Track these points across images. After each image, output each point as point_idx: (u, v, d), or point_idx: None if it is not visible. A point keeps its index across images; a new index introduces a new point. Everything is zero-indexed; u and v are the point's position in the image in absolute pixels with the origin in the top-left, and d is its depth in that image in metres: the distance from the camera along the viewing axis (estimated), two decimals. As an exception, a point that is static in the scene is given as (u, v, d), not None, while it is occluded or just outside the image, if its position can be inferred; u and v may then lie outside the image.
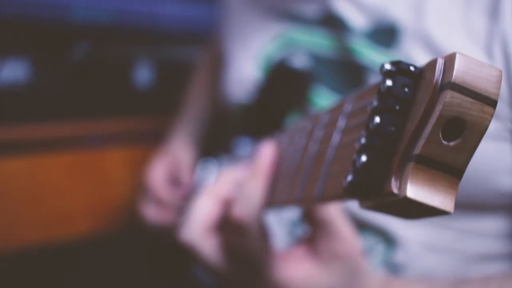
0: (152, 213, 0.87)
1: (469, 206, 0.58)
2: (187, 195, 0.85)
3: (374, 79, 0.61)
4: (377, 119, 0.29)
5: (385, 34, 0.60)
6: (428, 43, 0.56)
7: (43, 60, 1.01)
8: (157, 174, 0.89)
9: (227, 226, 0.50)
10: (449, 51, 0.55)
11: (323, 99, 0.65)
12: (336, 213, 0.47)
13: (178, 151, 0.92)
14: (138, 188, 0.92)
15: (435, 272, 0.61)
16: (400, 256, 0.61)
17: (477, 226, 0.60)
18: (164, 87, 1.13)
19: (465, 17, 0.55)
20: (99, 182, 1.02)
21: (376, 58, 0.60)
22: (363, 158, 0.29)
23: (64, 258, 0.95)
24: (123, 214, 1.01)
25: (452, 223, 0.61)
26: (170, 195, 0.87)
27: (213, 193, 0.53)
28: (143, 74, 1.13)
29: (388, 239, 0.62)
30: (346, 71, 0.64)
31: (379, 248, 0.62)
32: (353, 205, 0.58)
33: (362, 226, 0.62)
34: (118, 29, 1.10)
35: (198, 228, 0.51)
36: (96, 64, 1.07)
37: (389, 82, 0.29)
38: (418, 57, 0.57)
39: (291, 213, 0.67)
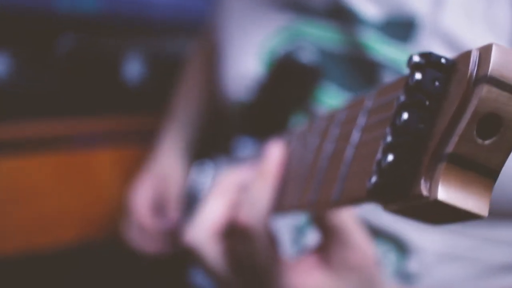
0: (134, 238, 0.89)
1: (492, 213, 0.58)
2: (171, 229, 0.87)
3: (387, 76, 0.61)
4: (405, 115, 0.29)
5: (401, 27, 0.60)
6: (447, 38, 0.56)
7: (24, 54, 1.00)
8: (142, 199, 0.89)
9: (232, 231, 0.50)
10: (470, 46, 0.56)
11: (331, 97, 0.65)
12: (350, 219, 0.47)
13: (167, 166, 0.92)
14: (124, 208, 0.92)
15: (451, 283, 0.61)
16: (413, 265, 0.61)
17: (498, 233, 0.61)
18: (156, 83, 1.13)
19: (488, 9, 0.55)
20: (86, 185, 1.01)
21: (390, 53, 0.60)
22: (390, 157, 0.29)
23: (48, 268, 0.95)
24: (112, 220, 1.01)
25: (470, 230, 0.61)
26: (153, 224, 0.88)
27: (223, 193, 0.53)
28: (133, 69, 1.13)
29: (401, 247, 0.62)
30: (357, 67, 0.64)
31: (391, 256, 0.63)
32: (363, 209, 0.58)
33: (372, 233, 0.62)
34: (106, 19, 1.09)
35: (206, 230, 0.51)
36: (82, 58, 1.06)
37: (418, 76, 0.29)
38: (437, 52, 0.57)
39: (297, 219, 0.67)
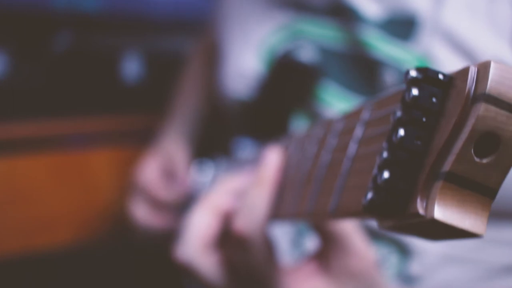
0: (145, 215, 0.85)
1: (495, 213, 0.58)
2: (185, 192, 0.84)
3: (388, 75, 0.61)
4: (402, 132, 0.29)
5: (402, 25, 0.60)
6: (449, 36, 0.56)
7: (21, 51, 1.00)
8: (150, 170, 0.87)
9: (228, 240, 0.50)
10: (472, 44, 0.56)
11: (332, 96, 0.65)
12: (349, 225, 0.47)
13: (171, 149, 0.91)
14: (127, 188, 0.90)
15: (454, 285, 0.61)
16: (415, 268, 0.61)
17: (501, 234, 0.61)
18: (155, 82, 1.13)
19: (490, 7, 0.55)
20: (83, 185, 1.01)
21: (391, 51, 0.60)
22: (386, 174, 0.29)
23: (44, 270, 0.95)
24: (109, 221, 1.01)
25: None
26: (166, 192, 0.85)
27: (211, 205, 0.53)
28: (131, 67, 1.13)
29: (403, 249, 0.62)
30: (357, 65, 0.64)
31: (393, 259, 0.63)
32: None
33: (373, 235, 0.62)
34: (103, 17, 1.09)
35: (196, 244, 0.51)
36: (80, 56, 1.06)
37: (415, 91, 0.28)
38: (439, 51, 0.57)
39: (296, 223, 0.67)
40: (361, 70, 0.64)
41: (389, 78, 0.61)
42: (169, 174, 0.87)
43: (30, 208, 0.96)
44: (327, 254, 0.48)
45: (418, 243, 0.61)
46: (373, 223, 0.61)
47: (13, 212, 0.94)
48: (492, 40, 0.54)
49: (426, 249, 0.61)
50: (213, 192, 0.54)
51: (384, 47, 0.61)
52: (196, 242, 0.51)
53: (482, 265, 0.61)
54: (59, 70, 1.03)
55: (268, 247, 0.49)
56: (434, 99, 0.28)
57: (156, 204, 0.85)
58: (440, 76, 0.29)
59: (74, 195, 1.00)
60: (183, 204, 0.83)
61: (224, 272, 0.51)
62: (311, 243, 0.64)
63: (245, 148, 0.74)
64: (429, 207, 0.28)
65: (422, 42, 0.58)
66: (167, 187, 0.85)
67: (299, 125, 0.68)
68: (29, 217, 0.96)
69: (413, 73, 0.29)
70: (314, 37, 0.67)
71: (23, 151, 0.95)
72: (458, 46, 0.56)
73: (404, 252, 0.62)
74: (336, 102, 0.65)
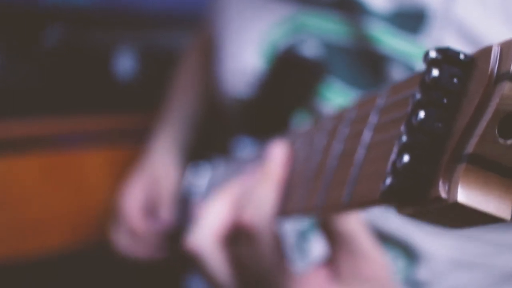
0: (125, 244, 0.89)
1: None
2: (163, 232, 0.86)
3: (396, 70, 0.61)
4: (422, 114, 0.29)
5: (411, 18, 0.60)
6: (461, 30, 0.57)
7: (10, 48, 1.00)
8: (132, 201, 0.89)
9: (236, 235, 0.50)
10: (485, 37, 0.56)
11: (336, 93, 0.65)
12: (359, 226, 0.47)
13: (160, 166, 0.91)
14: (111, 211, 0.92)
15: (463, 291, 0.62)
16: (423, 273, 0.62)
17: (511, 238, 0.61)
18: (150, 79, 1.13)
19: (503, 0, 0.56)
20: (75, 187, 1.01)
21: (399, 46, 0.61)
22: (406, 158, 0.29)
23: (35, 276, 0.95)
24: (103, 224, 1.01)
25: (483, 235, 0.61)
26: (144, 228, 0.88)
27: (228, 196, 0.53)
28: (125, 64, 1.12)
29: (410, 253, 0.62)
30: (363, 61, 0.64)
31: (399, 263, 0.63)
32: (369, 213, 0.59)
33: (379, 238, 0.62)
34: (96, 11, 1.09)
35: (211, 235, 0.51)
36: (71, 53, 1.06)
37: (435, 72, 0.29)
38: (450, 45, 0.57)
39: (300, 224, 0.67)
40: (367, 66, 0.64)
41: (397, 74, 0.61)
42: (152, 206, 0.89)
43: (20, 211, 0.95)
44: (337, 259, 0.47)
45: (425, 247, 0.62)
46: (379, 226, 0.61)
47: (2, 215, 0.94)
48: (506, 33, 0.54)
49: (434, 253, 0.61)
50: (232, 184, 0.55)
51: (392, 41, 0.61)
52: (211, 232, 0.51)
53: (492, 270, 0.62)
54: (50, 67, 1.03)
55: (277, 244, 0.49)
56: (455, 80, 0.29)
57: (135, 235, 0.87)
58: (461, 56, 0.29)
59: (66, 197, 1.00)
60: (180, 208, 0.83)
61: (232, 268, 0.51)
62: (316, 246, 0.65)
63: (244, 148, 0.74)
64: (451, 190, 0.28)
65: (432, 35, 0.59)
66: (147, 221, 0.87)
67: (301, 124, 0.68)
68: (19, 221, 0.95)
69: (433, 54, 0.29)
70: (318, 31, 0.67)
71: (12, 152, 0.94)
72: (470, 40, 0.56)
73: (411, 256, 0.62)
74: (341, 100, 0.65)
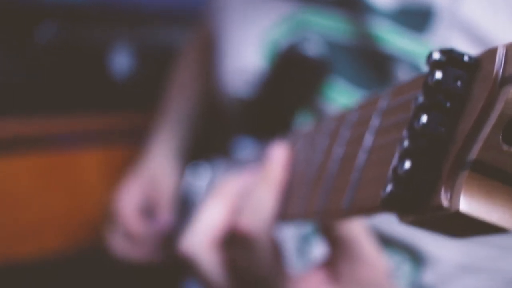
0: (121, 246, 0.88)
1: None
2: (161, 233, 0.86)
3: (401, 70, 0.61)
4: (424, 118, 0.29)
5: (416, 16, 0.60)
6: (468, 28, 0.57)
7: (3, 44, 1.00)
8: (129, 201, 0.89)
9: (232, 240, 0.50)
10: (492, 36, 0.56)
11: (339, 93, 0.65)
12: (360, 230, 0.47)
13: (157, 167, 0.92)
14: (107, 213, 0.92)
15: (470, 296, 0.62)
16: (429, 277, 0.62)
17: (519, 242, 0.61)
18: (147, 77, 1.13)
19: None
20: (71, 189, 1.01)
21: (404, 45, 0.60)
22: (407, 164, 0.29)
23: (29, 280, 0.95)
24: (99, 227, 1.01)
25: (490, 239, 0.61)
26: (141, 229, 0.88)
27: (224, 198, 0.53)
28: (121, 61, 1.12)
29: (416, 257, 0.62)
30: (367, 60, 0.64)
31: (405, 267, 0.63)
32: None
33: (385, 242, 0.62)
34: (91, 7, 1.09)
35: (205, 238, 0.51)
36: (66, 50, 1.06)
37: (438, 75, 0.29)
38: (457, 45, 0.57)
39: (302, 227, 0.67)
40: (371, 65, 0.64)
41: (402, 74, 0.61)
42: (149, 207, 0.89)
43: (13, 214, 0.95)
44: (336, 262, 0.48)
45: (432, 251, 0.62)
46: (384, 229, 0.61)
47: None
48: None
49: (440, 257, 0.61)
50: (227, 185, 0.54)
51: (397, 40, 0.61)
52: (205, 235, 0.51)
53: (500, 275, 0.62)
54: (43, 64, 1.03)
55: (275, 249, 0.49)
56: (459, 83, 0.29)
57: (131, 237, 0.87)
58: (466, 58, 0.29)
59: (61, 199, 1.00)
60: (179, 209, 0.83)
61: (227, 273, 0.51)
62: (318, 250, 0.65)
63: (245, 148, 0.74)
64: (454, 199, 0.28)
65: (439, 34, 0.58)
66: (144, 222, 0.87)
67: (303, 125, 0.68)
68: (12, 223, 0.95)
69: (436, 55, 0.29)
70: (321, 29, 0.67)
71: (5, 152, 0.95)
72: (478, 40, 0.56)
73: (417, 260, 0.62)
74: (344, 100, 0.65)
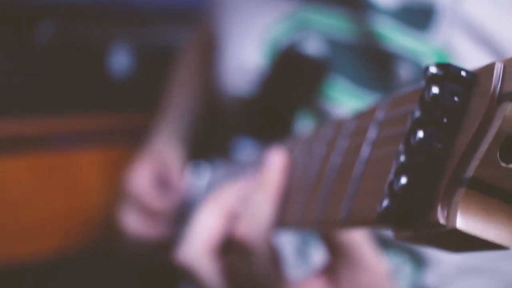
0: (137, 225, 0.85)
1: None
2: (179, 201, 0.84)
3: (403, 68, 0.61)
4: (420, 134, 0.28)
5: (418, 14, 0.60)
6: (470, 27, 0.56)
7: (3, 44, 1.00)
8: (141, 177, 0.87)
9: (229, 247, 0.50)
10: (495, 34, 0.56)
11: (341, 92, 0.65)
12: (359, 235, 0.47)
13: (164, 151, 0.91)
14: (116, 195, 0.91)
15: (472, 297, 0.62)
16: (430, 279, 0.62)
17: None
18: (146, 76, 1.12)
19: None
20: (69, 189, 1.01)
21: (406, 43, 0.60)
22: (403, 180, 0.29)
23: (27, 281, 0.95)
24: (98, 227, 1.01)
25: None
26: (159, 201, 0.85)
27: (219, 205, 0.53)
28: (120, 61, 1.12)
29: (417, 259, 0.62)
30: (369, 59, 0.64)
31: (406, 269, 0.63)
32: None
33: (385, 244, 0.62)
34: (90, 6, 1.09)
35: (200, 247, 0.51)
36: (65, 49, 1.06)
37: (435, 90, 0.28)
38: (459, 43, 0.57)
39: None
40: (373, 63, 0.64)
41: (404, 72, 0.61)
42: (162, 180, 0.87)
43: (11, 214, 0.95)
44: (336, 267, 0.48)
45: (433, 252, 0.62)
46: (385, 231, 0.61)
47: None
48: None
49: (441, 259, 0.61)
50: (223, 191, 0.54)
51: (399, 38, 0.61)
52: (201, 243, 0.51)
53: (502, 276, 0.62)
54: (42, 64, 1.03)
55: (273, 256, 0.49)
56: (456, 98, 0.28)
57: (149, 213, 0.86)
58: (463, 73, 0.28)
59: (59, 199, 1.00)
60: (179, 211, 0.83)
61: (225, 281, 0.51)
62: (318, 254, 0.65)
63: (245, 149, 0.74)
64: (450, 216, 0.28)
65: (441, 32, 0.58)
66: (160, 195, 0.86)
67: (304, 124, 0.68)
68: (10, 224, 0.95)
69: (433, 70, 0.29)
70: (322, 28, 0.67)
71: (5, 152, 0.95)
72: (480, 38, 0.56)
73: (418, 262, 0.62)
74: (346, 99, 0.65)
